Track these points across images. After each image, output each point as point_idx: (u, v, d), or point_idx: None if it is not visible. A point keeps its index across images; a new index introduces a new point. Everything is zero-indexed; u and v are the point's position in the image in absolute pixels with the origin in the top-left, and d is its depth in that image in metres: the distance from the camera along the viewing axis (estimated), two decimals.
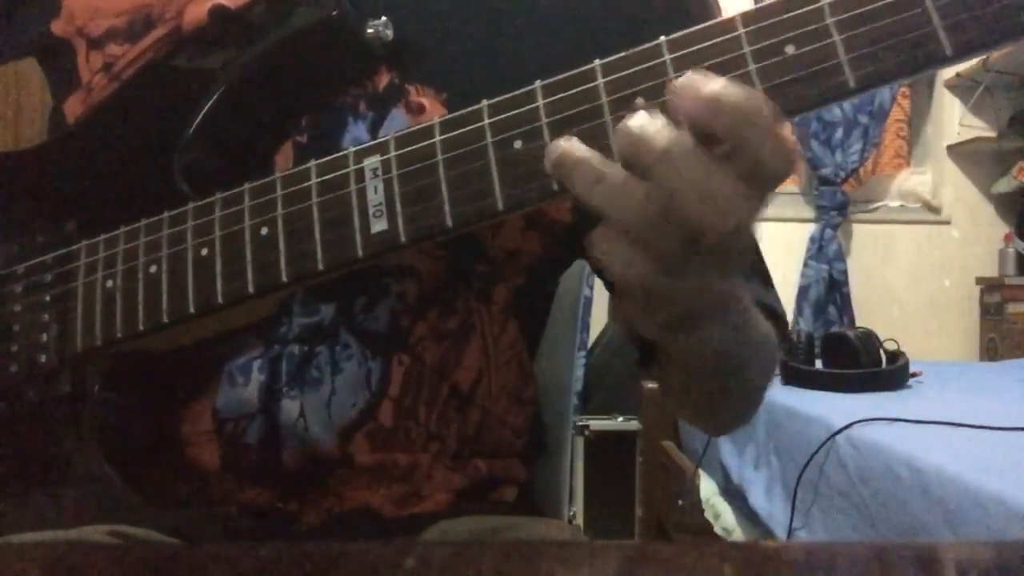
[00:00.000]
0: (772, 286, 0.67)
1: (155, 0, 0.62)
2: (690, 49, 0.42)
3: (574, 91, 0.44)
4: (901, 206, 3.40)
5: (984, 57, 2.96)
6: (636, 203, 0.39)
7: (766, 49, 0.41)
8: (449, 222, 0.46)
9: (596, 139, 0.43)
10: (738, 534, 1.68)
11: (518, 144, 0.45)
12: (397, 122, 0.59)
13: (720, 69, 0.42)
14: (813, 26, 0.41)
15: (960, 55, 0.39)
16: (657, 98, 0.42)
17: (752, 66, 0.41)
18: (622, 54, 0.44)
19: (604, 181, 0.39)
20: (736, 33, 0.42)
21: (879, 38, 0.40)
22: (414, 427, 0.61)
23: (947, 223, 3.35)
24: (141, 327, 0.52)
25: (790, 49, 0.41)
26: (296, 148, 0.58)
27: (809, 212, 3.32)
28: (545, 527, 0.67)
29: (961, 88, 3.27)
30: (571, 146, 0.41)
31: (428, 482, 0.62)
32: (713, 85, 0.38)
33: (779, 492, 1.51)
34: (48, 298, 0.56)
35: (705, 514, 1.84)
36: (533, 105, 0.45)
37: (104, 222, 0.55)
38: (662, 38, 0.43)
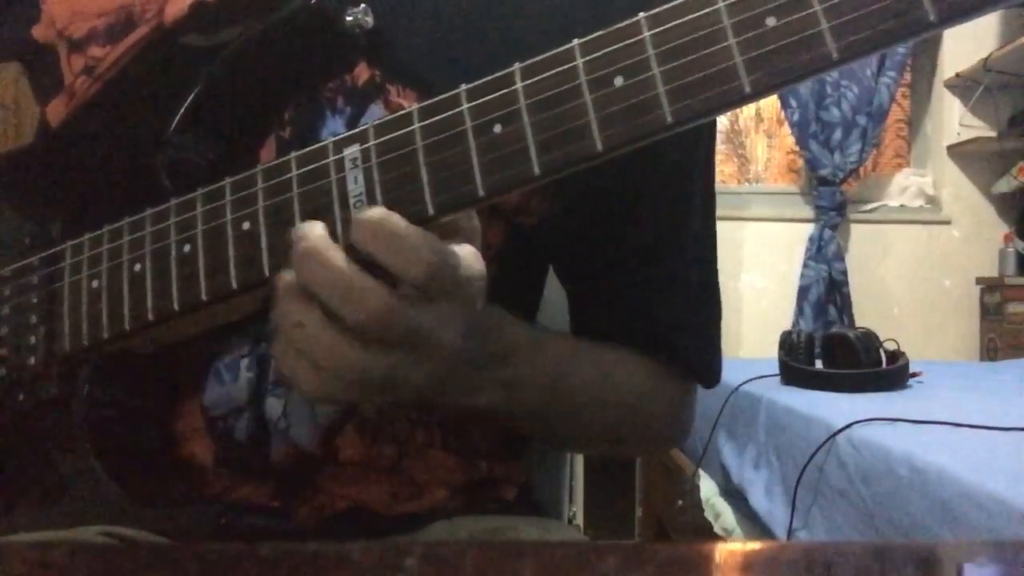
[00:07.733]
0: (698, 331, 0.68)
1: (135, 0, 0.61)
2: (670, 24, 0.42)
3: (552, 72, 0.43)
4: (901, 206, 3.40)
5: (984, 57, 2.96)
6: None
7: (746, 22, 0.40)
8: (430, 210, 0.45)
9: (574, 120, 0.43)
10: (738, 534, 1.68)
11: (497, 128, 0.44)
12: (375, 118, 0.58)
13: (700, 43, 0.41)
14: None
15: (945, 21, 0.38)
16: (637, 76, 0.42)
17: (732, 40, 0.41)
18: (600, 32, 0.43)
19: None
20: (716, 6, 0.41)
21: (861, 5, 0.39)
22: (398, 416, 0.61)
23: (947, 223, 3.35)
24: (127, 326, 0.52)
25: (771, 21, 0.40)
26: (279, 143, 0.58)
27: (808, 212, 3.32)
28: (545, 527, 0.67)
29: (961, 88, 3.27)
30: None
31: (421, 466, 0.62)
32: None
33: (779, 492, 1.51)
34: (35, 299, 0.56)
35: (705, 514, 1.84)
36: (512, 88, 0.44)
37: (89, 222, 0.54)
38: (641, 15, 0.42)
